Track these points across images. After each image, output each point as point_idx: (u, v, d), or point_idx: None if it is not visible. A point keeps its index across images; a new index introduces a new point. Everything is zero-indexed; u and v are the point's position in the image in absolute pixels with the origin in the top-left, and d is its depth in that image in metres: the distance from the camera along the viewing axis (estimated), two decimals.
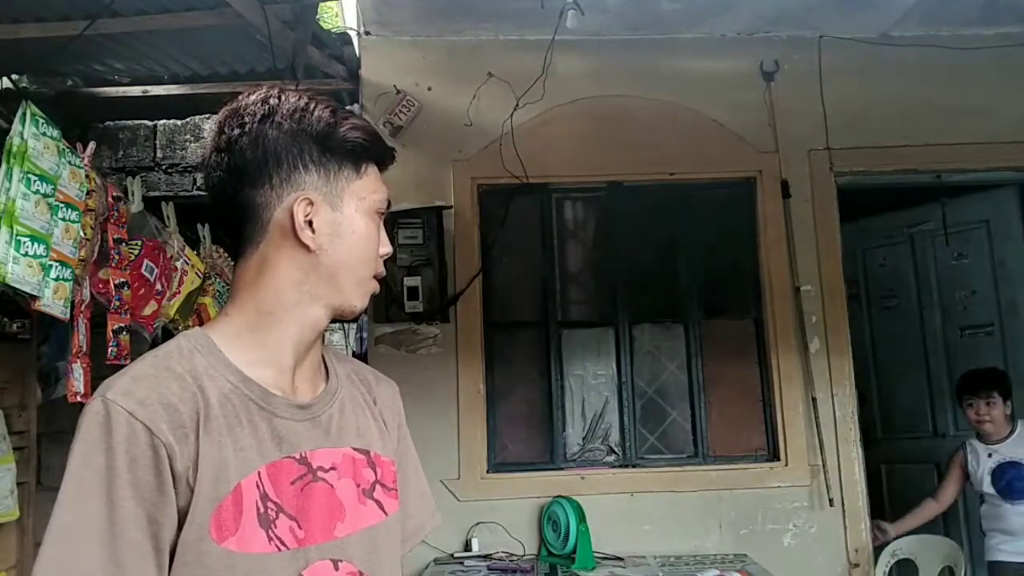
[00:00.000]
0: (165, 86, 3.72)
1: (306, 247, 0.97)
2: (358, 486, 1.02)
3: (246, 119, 0.98)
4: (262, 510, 0.91)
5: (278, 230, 0.98)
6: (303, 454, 0.96)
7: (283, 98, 1.00)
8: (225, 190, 0.99)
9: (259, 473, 0.92)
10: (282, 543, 0.92)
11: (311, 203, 0.98)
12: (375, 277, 1.04)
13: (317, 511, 0.96)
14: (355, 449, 1.03)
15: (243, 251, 1.00)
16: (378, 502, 1.04)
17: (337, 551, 0.96)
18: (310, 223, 0.98)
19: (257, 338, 0.98)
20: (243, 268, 1.00)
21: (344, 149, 1.00)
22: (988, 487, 3.22)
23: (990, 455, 3.25)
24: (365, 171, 1.03)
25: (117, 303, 2.46)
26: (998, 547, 3.18)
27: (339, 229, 0.99)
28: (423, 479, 1.21)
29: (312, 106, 1.00)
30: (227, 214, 1.00)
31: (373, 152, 1.03)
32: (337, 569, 0.96)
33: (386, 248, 1.05)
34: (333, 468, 0.99)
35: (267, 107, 0.99)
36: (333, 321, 1.03)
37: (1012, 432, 3.25)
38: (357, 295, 1.02)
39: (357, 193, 1.01)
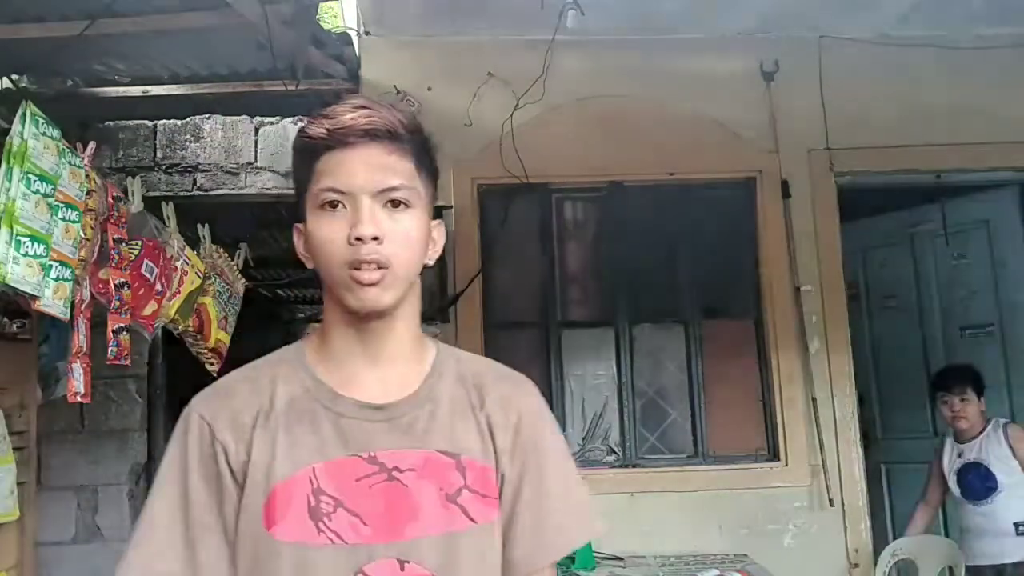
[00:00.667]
0: (165, 86, 3.72)
1: None
2: (441, 490, 0.99)
3: None
4: (313, 503, 0.95)
5: None
6: (372, 454, 0.98)
7: None
8: None
9: (313, 468, 0.96)
10: (338, 536, 0.95)
11: (298, 231, 1.05)
12: (355, 265, 0.96)
13: (385, 509, 0.96)
14: (442, 452, 1.01)
15: None
16: (463, 508, 1.00)
17: (405, 551, 0.96)
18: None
19: (326, 346, 1.05)
20: None
21: (298, 165, 1.03)
22: (954, 486, 3.26)
23: (959, 454, 3.27)
24: (316, 169, 1.00)
25: (117, 303, 2.46)
26: (970, 550, 3.19)
27: (308, 241, 1.02)
28: (551, 497, 1.06)
29: (294, 139, 1.04)
30: None
31: (318, 146, 0.99)
32: (403, 569, 0.95)
33: (356, 230, 0.96)
34: (412, 469, 0.98)
35: None
36: (375, 318, 1.01)
37: (982, 432, 3.24)
38: (342, 292, 0.99)
39: (308, 198, 1.01)
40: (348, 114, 0.99)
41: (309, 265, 1.03)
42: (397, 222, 0.99)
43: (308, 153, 1.00)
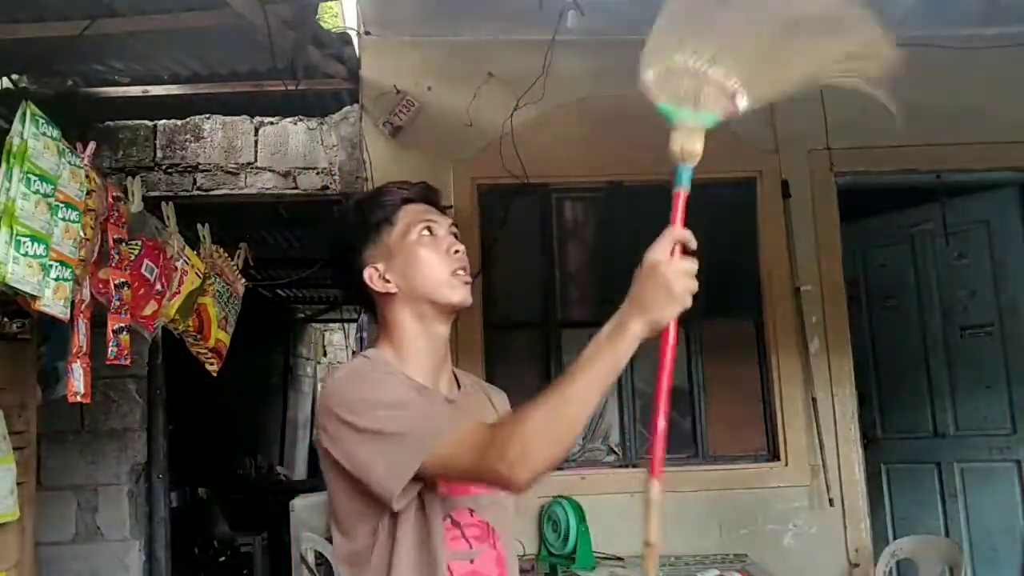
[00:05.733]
0: (165, 86, 3.73)
1: None
2: None
3: None
4: None
5: None
6: None
7: None
8: None
9: None
10: (437, 490, 1.30)
11: (375, 269, 1.42)
12: (459, 269, 1.38)
13: None
14: None
15: None
16: None
17: (473, 503, 1.32)
18: None
19: (403, 353, 1.37)
20: None
21: (376, 218, 1.44)
22: None
23: None
24: (400, 216, 1.42)
25: (117, 303, 2.46)
26: None
27: (405, 264, 1.40)
28: None
29: (361, 205, 1.48)
30: None
31: (398, 200, 1.44)
32: (472, 516, 1.32)
33: (456, 245, 1.40)
34: None
35: None
36: (453, 318, 1.42)
37: None
38: (447, 292, 1.37)
39: (396, 238, 1.41)
40: (408, 184, 1.46)
41: (384, 290, 1.35)
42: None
43: (388, 207, 1.39)
